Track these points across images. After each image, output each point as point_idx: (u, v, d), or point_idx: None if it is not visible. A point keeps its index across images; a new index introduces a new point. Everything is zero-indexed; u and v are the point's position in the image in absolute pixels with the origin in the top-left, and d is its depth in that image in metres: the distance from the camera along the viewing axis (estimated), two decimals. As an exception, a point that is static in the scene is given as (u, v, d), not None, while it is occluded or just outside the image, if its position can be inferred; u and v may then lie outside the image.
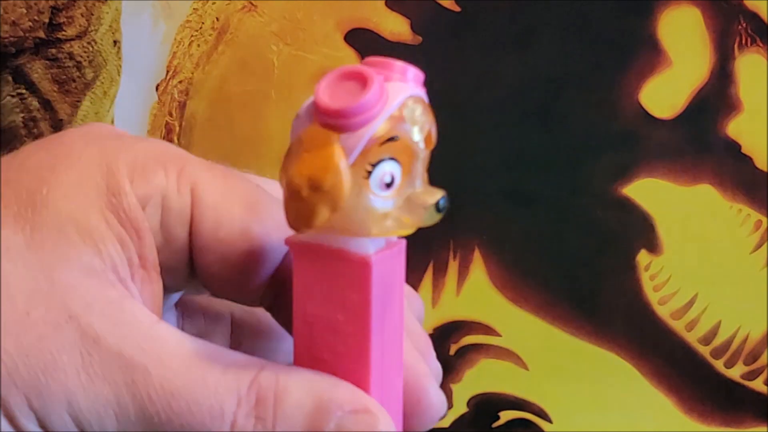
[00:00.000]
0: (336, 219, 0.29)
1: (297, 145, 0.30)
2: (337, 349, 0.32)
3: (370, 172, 0.29)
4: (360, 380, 0.31)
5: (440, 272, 0.70)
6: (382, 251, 0.31)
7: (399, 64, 0.31)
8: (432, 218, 0.30)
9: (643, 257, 0.68)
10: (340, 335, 0.31)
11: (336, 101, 0.29)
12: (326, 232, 0.30)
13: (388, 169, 0.29)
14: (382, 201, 0.29)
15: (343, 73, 0.30)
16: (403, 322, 0.33)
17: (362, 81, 0.29)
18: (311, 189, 0.28)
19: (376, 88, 0.29)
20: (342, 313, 0.31)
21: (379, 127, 0.28)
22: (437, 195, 0.30)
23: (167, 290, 0.32)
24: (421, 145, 0.31)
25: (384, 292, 0.31)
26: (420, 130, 0.31)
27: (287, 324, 0.34)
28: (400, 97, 0.30)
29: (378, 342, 0.31)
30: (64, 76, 0.63)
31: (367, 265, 0.30)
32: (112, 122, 0.68)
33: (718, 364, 0.68)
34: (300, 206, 0.29)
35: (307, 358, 0.32)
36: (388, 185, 0.29)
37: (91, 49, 0.63)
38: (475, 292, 0.69)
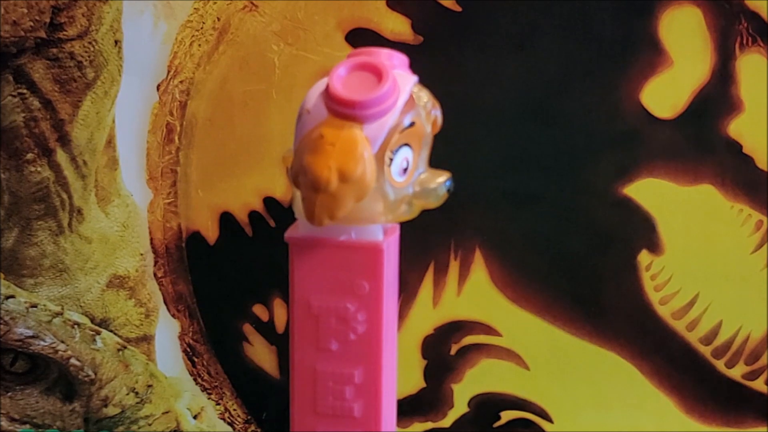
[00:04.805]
0: (354, 209, 0.29)
1: (317, 139, 0.30)
2: (347, 337, 0.32)
3: (392, 159, 0.29)
4: (371, 364, 0.31)
5: (441, 272, 0.70)
6: (386, 237, 0.32)
7: (385, 52, 0.31)
8: (438, 200, 0.31)
9: (644, 257, 0.68)
10: (351, 323, 0.31)
11: (356, 93, 0.29)
12: (340, 223, 0.31)
13: (405, 155, 0.30)
14: (399, 187, 0.29)
15: (353, 65, 0.30)
16: (397, 305, 0.33)
17: (376, 72, 0.30)
18: (341, 180, 0.28)
19: (392, 78, 0.29)
20: (353, 301, 0.31)
21: (398, 115, 0.29)
22: (444, 176, 0.31)
23: None
24: (428, 128, 0.31)
25: (389, 276, 0.32)
26: (427, 115, 0.31)
27: None
28: (409, 84, 0.30)
29: (386, 326, 0.31)
30: (65, 76, 0.62)
31: (380, 251, 0.30)
32: (113, 122, 0.68)
33: (719, 364, 0.69)
34: (325, 199, 0.29)
35: (311, 350, 0.32)
36: (405, 171, 0.30)
37: (92, 48, 0.63)
38: (476, 292, 0.69)
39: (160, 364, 0.73)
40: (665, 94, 0.65)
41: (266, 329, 0.73)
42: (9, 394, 0.64)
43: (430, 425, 0.73)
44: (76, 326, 0.65)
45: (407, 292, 0.69)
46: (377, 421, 0.34)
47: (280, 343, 0.72)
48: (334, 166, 0.29)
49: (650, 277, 0.68)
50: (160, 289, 0.73)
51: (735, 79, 0.65)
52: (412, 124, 0.30)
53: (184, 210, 0.72)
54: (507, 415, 0.71)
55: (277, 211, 0.70)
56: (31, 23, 0.59)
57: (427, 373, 0.72)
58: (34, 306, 0.64)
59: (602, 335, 0.69)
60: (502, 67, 0.66)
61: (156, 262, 0.73)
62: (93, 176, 0.67)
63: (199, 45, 0.69)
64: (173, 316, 0.73)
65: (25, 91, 0.61)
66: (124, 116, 0.69)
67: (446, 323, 0.70)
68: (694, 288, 0.68)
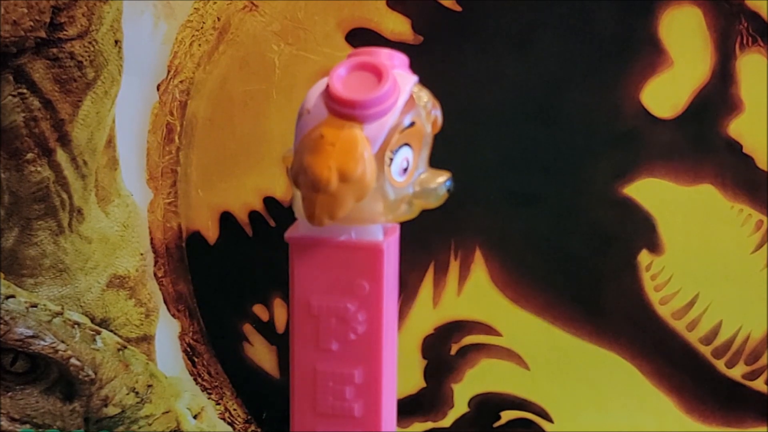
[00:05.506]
0: (354, 209, 0.29)
1: (317, 139, 0.30)
2: (347, 337, 0.32)
3: (392, 159, 0.29)
4: (372, 364, 0.31)
5: (441, 272, 0.70)
6: (386, 237, 0.32)
7: (386, 52, 0.31)
8: (438, 200, 0.31)
9: (644, 257, 0.68)
10: (351, 323, 0.31)
11: (356, 93, 0.29)
12: (340, 223, 0.31)
13: (405, 155, 0.30)
14: (399, 187, 0.30)
15: (353, 65, 0.30)
16: (397, 305, 0.33)
17: (377, 72, 0.30)
18: (341, 180, 0.28)
19: (392, 78, 0.29)
20: (353, 301, 0.31)
21: (398, 115, 0.29)
22: (444, 176, 0.31)
23: None
24: (429, 128, 0.31)
25: (389, 276, 0.32)
26: (427, 115, 0.31)
27: None
28: (409, 84, 0.30)
29: (386, 326, 0.31)
30: (65, 76, 0.62)
31: (380, 251, 0.30)
32: (113, 122, 0.68)
33: (719, 364, 0.69)
34: (326, 199, 0.29)
35: (311, 350, 0.32)
36: (405, 171, 0.30)
37: (92, 48, 0.63)
38: (477, 292, 0.69)
39: (160, 364, 0.73)
40: (665, 94, 0.65)
41: (266, 329, 0.73)
42: (9, 394, 0.64)
43: (430, 425, 0.73)
44: (76, 326, 0.65)
45: (407, 292, 0.69)
46: (377, 421, 0.34)
47: (280, 343, 0.72)
48: (334, 166, 0.29)
49: (650, 277, 0.68)
50: (160, 289, 0.73)
51: (735, 79, 0.65)
52: (412, 124, 0.30)
53: (184, 210, 0.72)
54: (507, 415, 0.71)
55: (277, 211, 0.70)
56: (31, 23, 0.59)
57: (427, 373, 0.72)
58: (34, 306, 0.64)
59: (602, 335, 0.69)
60: (502, 67, 0.66)
61: (156, 262, 0.73)
62: (93, 176, 0.67)
63: (199, 45, 0.69)
64: (173, 316, 0.73)
65: (25, 91, 0.61)
66: (124, 116, 0.69)
67: (446, 323, 0.70)
68: (694, 288, 0.68)
